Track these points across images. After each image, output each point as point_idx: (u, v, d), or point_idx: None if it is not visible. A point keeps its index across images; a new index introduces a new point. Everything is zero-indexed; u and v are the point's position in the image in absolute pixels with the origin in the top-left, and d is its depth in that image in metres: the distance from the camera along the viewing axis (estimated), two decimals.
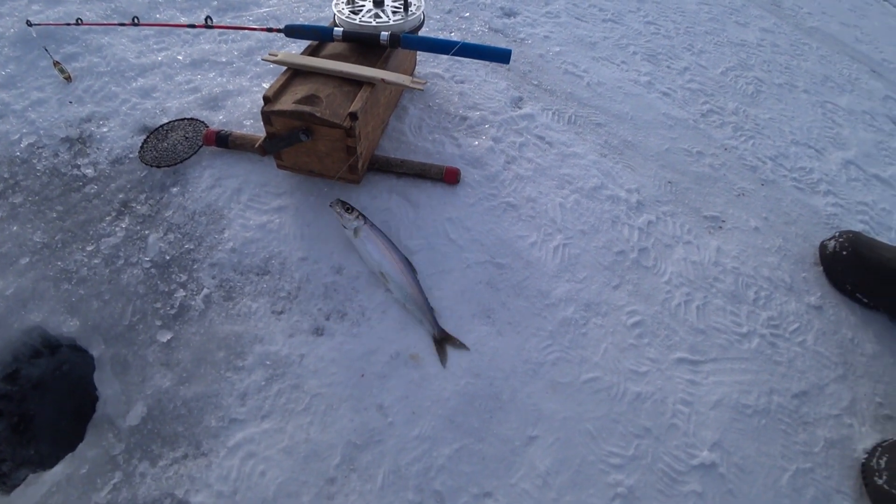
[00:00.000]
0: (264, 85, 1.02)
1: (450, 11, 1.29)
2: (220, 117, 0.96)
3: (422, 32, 0.92)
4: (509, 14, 1.33)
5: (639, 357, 0.76)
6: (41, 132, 0.97)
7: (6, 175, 0.92)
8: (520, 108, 1.06)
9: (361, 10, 0.88)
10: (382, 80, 0.75)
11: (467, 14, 1.30)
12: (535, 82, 1.14)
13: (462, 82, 1.08)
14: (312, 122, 0.71)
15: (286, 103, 0.72)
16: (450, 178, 0.86)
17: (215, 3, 1.21)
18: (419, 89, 0.77)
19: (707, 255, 0.92)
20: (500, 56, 0.81)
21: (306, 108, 0.71)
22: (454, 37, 1.21)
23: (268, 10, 1.21)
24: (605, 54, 1.28)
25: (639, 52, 1.32)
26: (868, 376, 0.86)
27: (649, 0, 1.56)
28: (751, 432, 0.73)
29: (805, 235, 1.02)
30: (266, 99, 0.73)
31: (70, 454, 0.69)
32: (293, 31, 0.84)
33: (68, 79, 1.04)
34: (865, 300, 0.93)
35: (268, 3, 1.22)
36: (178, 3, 1.22)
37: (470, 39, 1.21)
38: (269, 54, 0.80)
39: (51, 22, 1.04)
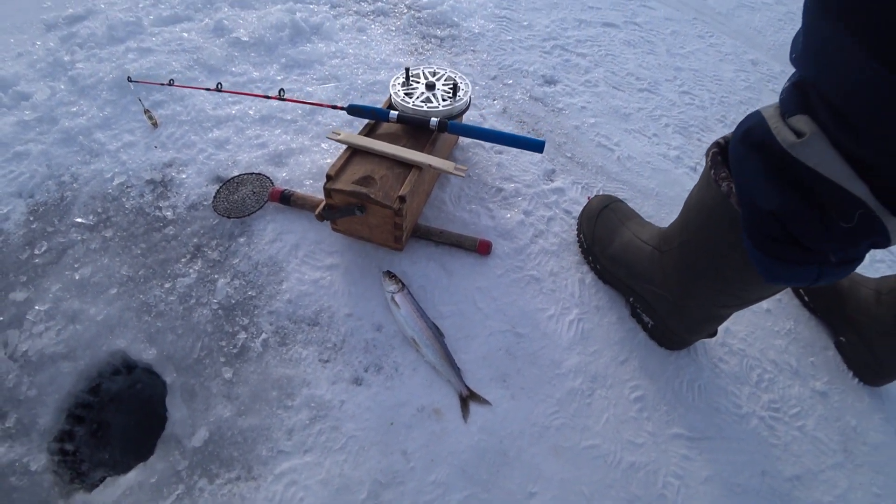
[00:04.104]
0: (324, 146, 1.20)
1: (494, 78, 1.46)
2: (284, 174, 1.14)
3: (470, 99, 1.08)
4: (550, 82, 1.48)
5: (637, 429, 0.89)
6: (130, 173, 1.18)
7: (100, 210, 1.13)
8: (552, 180, 1.20)
9: (414, 94, 1.05)
10: (430, 165, 0.91)
11: (510, 81, 1.46)
12: (569, 154, 1.28)
13: (500, 153, 1.23)
14: (367, 201, 0.88)
15: (346, 183, 0.89)
16: (482, 249, 1.01)
17: (283, 60, 1.41)
18: (461, 176, 0.93)
19: (716, 337, 1.03)
20: (534, 146, 0.96)
21: (363, 190, 0.88)
22: (496, 104, 1.37)
23: (329, 69, 1.40)
24: (638, 126, 1.41)
25: (671, 125, 1.45)
26: (868, 466, 0.93)
27: (686, 68, 1.68)
28: None
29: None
30: (328, 177, 0.90)
31: (142, 464, 0.87)
32: (354, 111, 1.02)
33: (155, 125, 1.25)
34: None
35: (330, 62, 1.42)
36: (252, 57, 1.43)
37: (511, 107, 1.37)
38: (333, 133, 0.97)
39: (147, 80, 1.25)
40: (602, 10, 1.89)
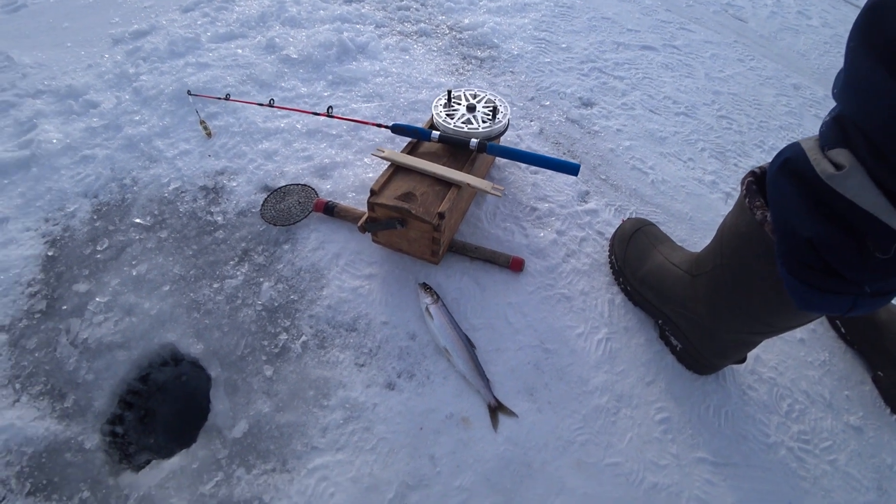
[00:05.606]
0: (366, 161, 1.28)
1: (532, 99, 1.52)
2: (328, 186, 1.23)
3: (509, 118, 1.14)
4: (587, 104, 1.53)
5: (661, 451, 0.91)
6: (185, 179, 1.28)
7: (156, 212, 1.23)
8: (585, 202, 1.25)
9: (455, 115, 1.12)
10: (468, 184, 0.98)
11: (548, 103, 1.52)
12: (603, 177, 1.33)
13: (535, 173, 1.29)
14: (408, 216, 0.95)
15: (389, 198, 0.96)
16: (515, 266, 1.06)
17: (330, 77, 1.51)
18: (498, 196, 0.98)
19: (745, 364, 1.05)
20: (569, 169, 1.01)
21: (404, 205, 0.95)
22: (533, 125, 1.43)
23: (373, 87, 1.49)
24: (674, 150, 1.45)
25: (707, 149, 1.48)
26: None
27: (725, 92, 1.71)
28: None
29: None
30: (372, 191, 0.98)
31: (185, 450, 0.94)
32: (398, 129, 1.09)
33: (209, 135, 1.36)
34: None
35: (374, 80, 1.51)
36: (300, 74, 1.53)
37: (547, 128, 1.43)
38: (378, 150, 1.05)
39: (205, 94, 1.36)
40: (641, 32, 1.94)
